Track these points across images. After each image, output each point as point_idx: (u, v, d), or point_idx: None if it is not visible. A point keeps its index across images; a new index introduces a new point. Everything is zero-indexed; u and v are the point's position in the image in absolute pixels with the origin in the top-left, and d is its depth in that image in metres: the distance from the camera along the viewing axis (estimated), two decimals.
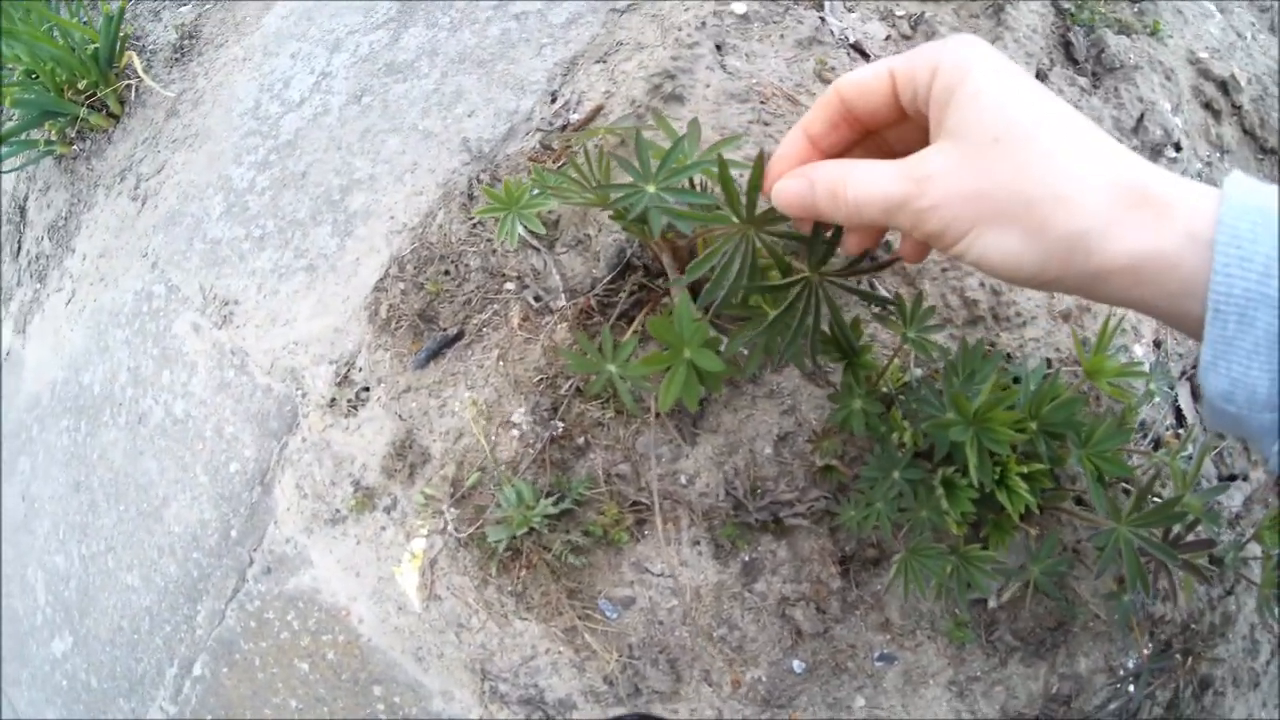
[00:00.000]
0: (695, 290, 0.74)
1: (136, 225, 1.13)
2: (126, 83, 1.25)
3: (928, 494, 0.69)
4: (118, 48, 1.24)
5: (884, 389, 0.79)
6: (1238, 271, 0.30)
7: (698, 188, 0.70)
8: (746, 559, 0.75)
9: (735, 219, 0.58)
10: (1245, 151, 1.12)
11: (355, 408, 0.87)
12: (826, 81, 0.89)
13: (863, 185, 0.39)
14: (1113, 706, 0.86)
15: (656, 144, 0.69)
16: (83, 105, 1.24)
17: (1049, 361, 0.83)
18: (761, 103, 0.85)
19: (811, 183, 0.41)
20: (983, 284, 0.80)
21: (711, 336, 0.66)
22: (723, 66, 0.87)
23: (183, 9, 1.27)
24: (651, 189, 0.65)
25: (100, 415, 1.11)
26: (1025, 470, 0.68)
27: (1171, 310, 0.33)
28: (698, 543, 0.75)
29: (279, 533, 0.92)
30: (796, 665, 0.76)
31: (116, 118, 1.25)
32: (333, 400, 0.89)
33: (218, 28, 1.21)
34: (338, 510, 0.87)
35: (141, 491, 1.05)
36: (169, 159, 1.13)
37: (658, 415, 0.76)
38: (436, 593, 0.82)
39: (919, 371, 0.78)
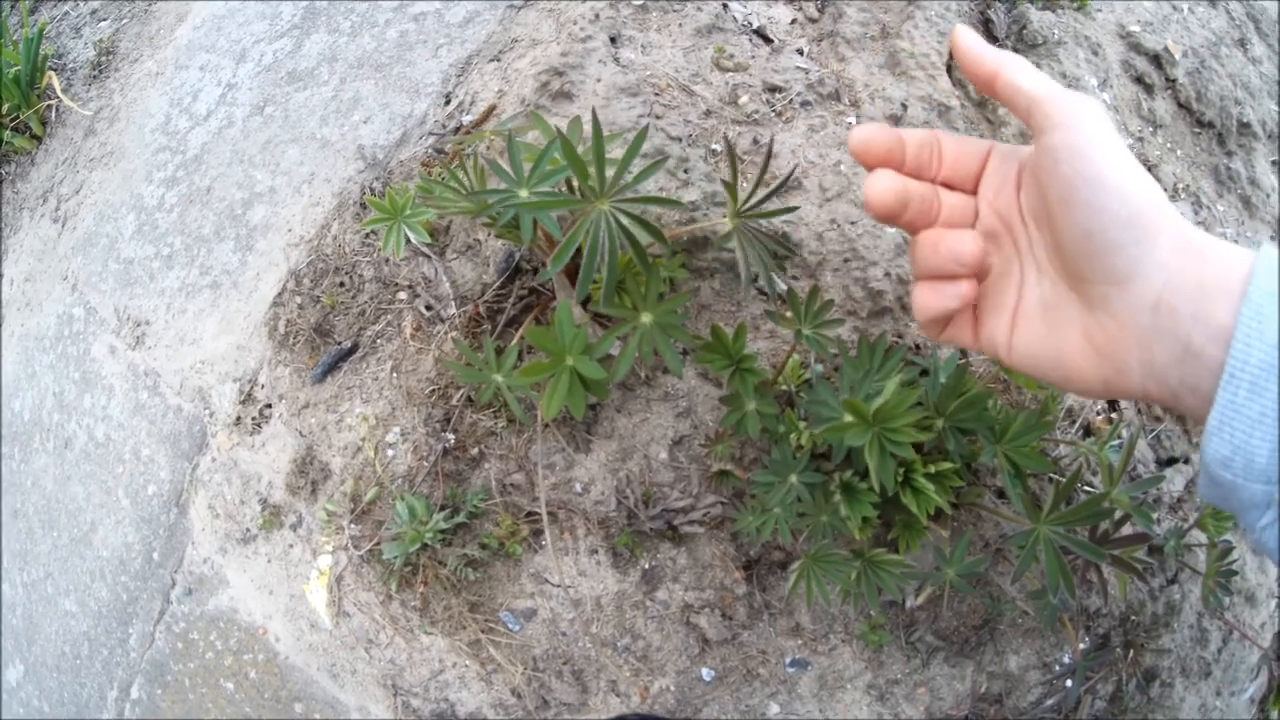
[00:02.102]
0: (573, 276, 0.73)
1: (58, 248, 1.15)
2: (48, 103, 1.26)
3: (826, 498, 0.68)
4: (38, 69, 1.26)
5: (783, 386, 0.78)
6: (1256, 343, 0.33)
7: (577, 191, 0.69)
8: (646, 567, 0.75)
9: (583, 197, 0.58)
10: (1180, 126, 1.08)
11: (259, 425, 0.88)
12: (723, 69, 0.87)
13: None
14: (1050, 703, 0.84)
15: (533, 147, 0.69)
16: (6, 128, 1.26)
17: (964, 351, 0.82)
18: (655, 95, 0.84)
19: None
20: (888, 274, 0.79)
21: (594, 341, 0.66)
22: (616, 60, 0.86)
23: (102, 24, 1.28)
24: (524, 194, 0.65)
25: (31, 442, 1.13)
26: (933, 470, 0.67)
27: (1181, 373, 0.36)
28: (595, 552, 0.75)
29: (196, 553, 0.93)
30: (705, 673, 0.76)
31: (39, 139, 1.26)
32: (238, 419, 0.89)
33: (134, 42, 1.22)
34: (248, 529, 0.88)
35: (71, 517, 1.07)
36: (86, 179, 1.14)
37: (548, 424, 0.75)
38: (345, 609, 0.83)
39: (820, 368, 0.77)
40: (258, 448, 0.88)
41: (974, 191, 0.46)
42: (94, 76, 1.21)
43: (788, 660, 0.77)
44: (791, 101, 0.86)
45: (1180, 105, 1.09)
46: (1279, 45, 1.22)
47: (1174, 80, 1.08)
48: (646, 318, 0.66)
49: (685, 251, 0.78)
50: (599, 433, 0.76)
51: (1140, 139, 1.03)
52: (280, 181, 0.95)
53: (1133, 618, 0.88)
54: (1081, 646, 0.84)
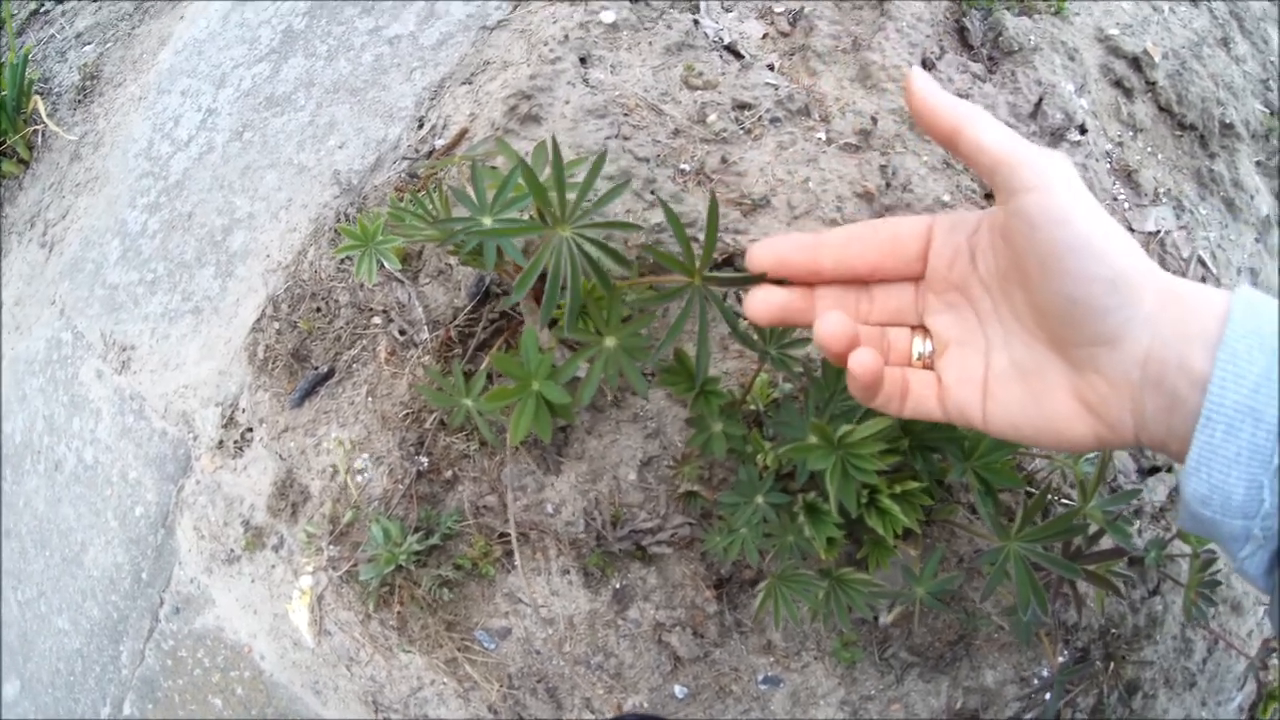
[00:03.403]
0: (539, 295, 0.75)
1: (45, 272, 1.19)
2: (34, 128, 1.30)
3: (792, 519, 0.70)
4: (24, 93, 1.30)
5: (751, 406, 0.80)
6: (1231, 386, 0.35)
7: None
8: (617, 586, 0.78)
9: (547, 223, 0.60)
10: (1161, 129, 1.09)
11: (241, 449, 0.91)
12: (692, 88, 0.90)
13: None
14: (1028, 717, 0.86)
15: (499, 174, 0.71)
16: None
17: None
18: (624, 115, 0.86)
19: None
20: None
21: (561, 365, 0.69)
22: (585, 80, 0.88)
23: (86, 48, 1.32)
24: (487, 221, 0.68)
25: (22, 464, 1.17)
26: (899, 490, 0.69)
27: (1168, 421, 0.38)
28: (567, 572, 0.78)
29: (183, 573, 0.97)
30: (678, 690, 0.79)
31: (26, 163, 1.30)
32: (221, 442, 0.93)
33: (117, 66, 1.26)
34: (232, 550, 0.92)
35: (63, 537, 1.11)
36: (73, 204, 1.18)
37: (518, 447, 0.78)
38: (326, 628, 0.86)
39: (789, 387, 0.79)
40: (240, 470, 0.91)
41: (919, 271, 0.46)
42: (79, 101, 1.25)
43: (760, 677, 0.80)
44: (760, 118, 0.89)
45: (1161, 108, 1.10)
46: (1271, 42, 1.22)
47: (1154, 83, 1.09)
48: (610, 341, 0.68)
49: (651, 272, 0.81)
50: (569, 454, 0.78)
51: (1120, 144, 1.05)
52: (259, 207, 0.98)
53: (1113, 630, 0.89)
54: (1060, 660, 0.85)
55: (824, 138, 0.90)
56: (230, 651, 0.94)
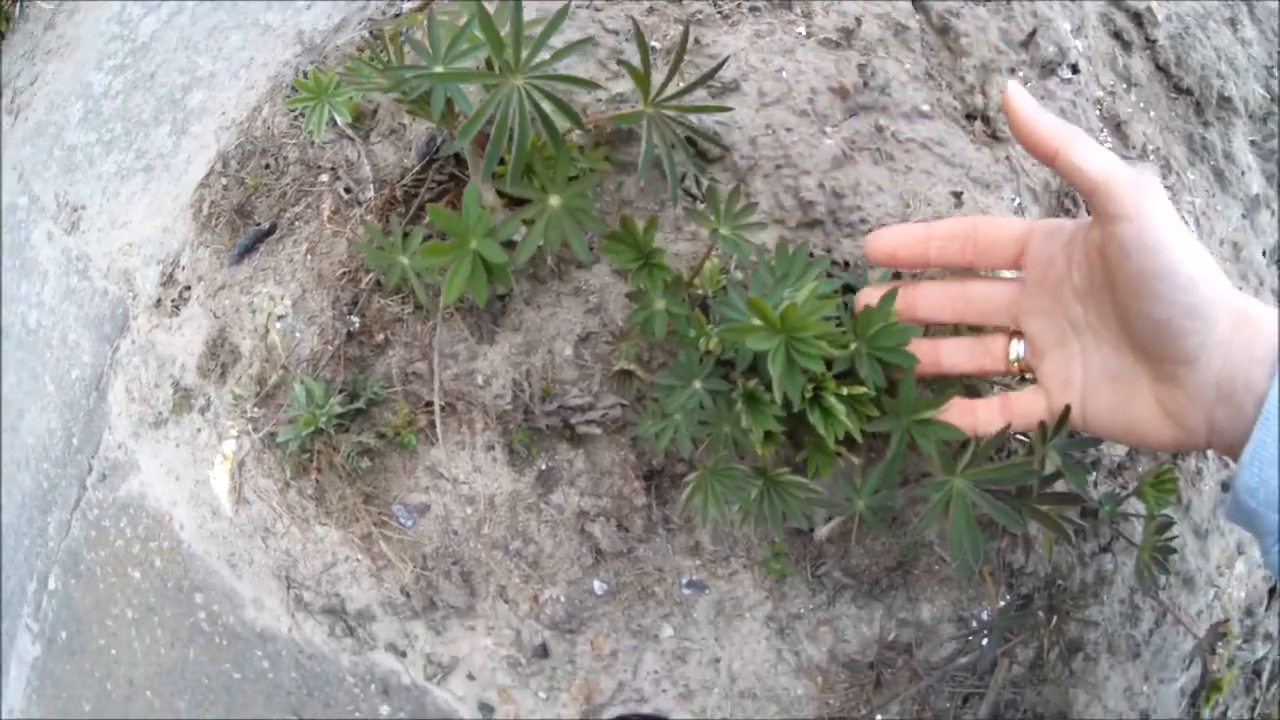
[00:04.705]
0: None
1: (10, 139, 1.19)
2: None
3: (730, 407, 0.67)
4: None
5: (699, 291, 0.77)
6: None
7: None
8: (543, 468, 0.75)
9: (499, 71, 0.58)
10: (1156, 87, 1.05)
11: (178, 307, 0.90)
12: None
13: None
14: (964, 660, 0.83)
15: (453, 25, 0.69)
16: None
17: (897, 275, 0.79)
18: None
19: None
20: (821, 185, 0.78)
21: (503, 223, 0.66)
22: None
23: None
24: (439, 69, 0.66)
25: None
26: (846, 392, 0.65)
27: (1234, 430, 0.44)
28: (492, 448, 0.76)
29: (112, 438, 0.96)
30: (598, 586, 0.77)
31: (2, 35, 1.30)
32: (159, 301, 0.92)
33: None
34: (160, 413, 0.91)
35: (6, 407, 1.11)
36: (42, 70, 1.18)
37: (454, 311, 0.76)
38: (245, 496, 0.84)
39: (740, 275, 0.76)
40: (174, 330, 0.90)
41: (1014, 266, 0.53)
42: None
43: (684, 581, 0.77)
44: (740, 5, 0.86)
45: (1158, 67, 1.06)
46: (1273, 33, 1.18)
47: (1154, 41, 1.05)
48: (555, 200, 0.66)
49: (608, 144, 0.78)
50: (506, 325, 0.76)
51: (1112, 93, 1.00)
52: (220, 66, 0.97)
53: (1059, 582, 0.85)
54: (1001, 604, 0.82)
55: (804, 32, 0.86)
56: (151, 520, 0.93)
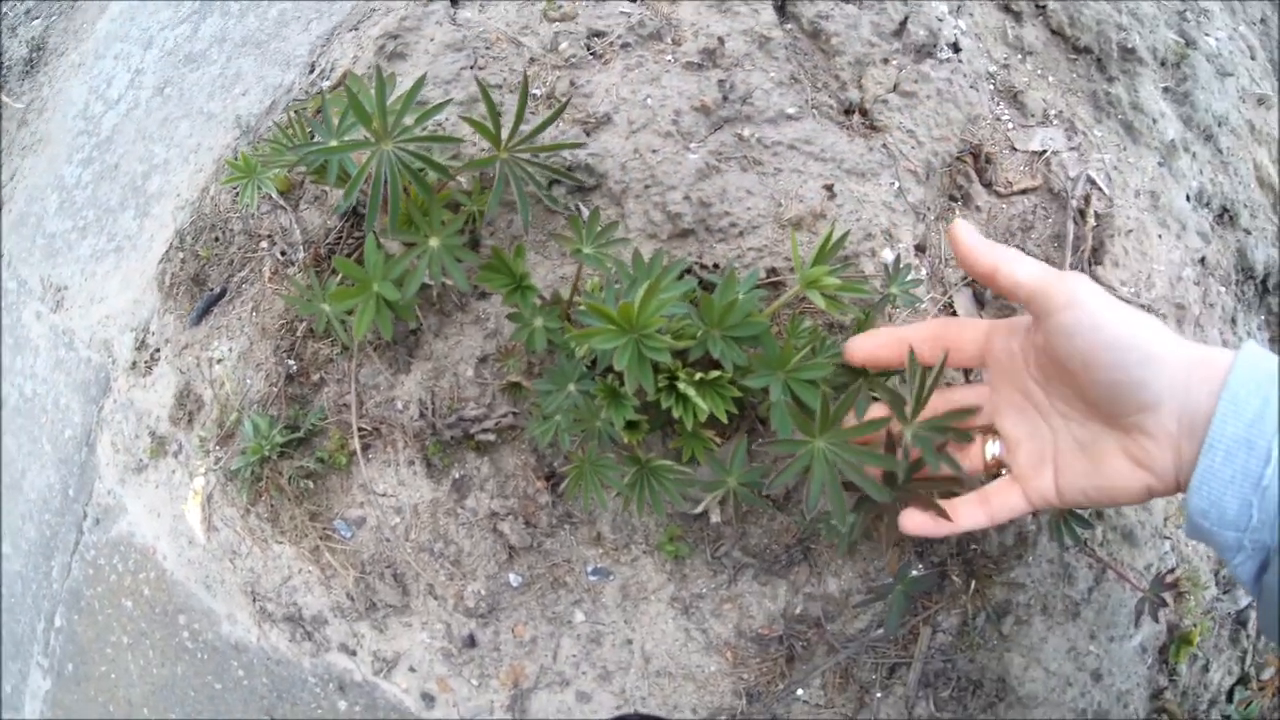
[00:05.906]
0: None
1: None
2: None
3: (593, 404, 0.80)
4: None
5: (583, 305, 0.91)
6: (1231, 421, 0.45)
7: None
8: (456, 476, 0.89)
9: (373, 140, 0.73)
10: (1054, 51, 1.14)
11: (150, 367, 1.06)
12: (550, 20, 1.02)
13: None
14: (879, 631, 0.87)
15: (360, 102, 0.85)
16: None
17: (773, 271, 0.90)
18: (486, 48, 0.99)
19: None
20: (687, 197, 0.90)
21: (393, 265, 0.81)
22: (452, 20, 1.01)
23: (35, 22, 1.51)
24: (333, 142, 0.81)
25: None
26: (700, 377, 0.77)
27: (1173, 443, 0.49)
28: (413, 463, 0.90)
29: (102, 486, 1.12)
30: (513, 579, 0.90)
31: None
32: (134, 363, 1.08)
33: (60, 37, 1.45)
34: (141, 460, 1.07)
35: (8, 467, 1.28)
36: (20, 165, 1.37)
37: (374, 348, 0.91)
38: (214, 524, 0.99)
39: (617, 288, 0.90)
40: (148, 387, 1.06)
41: (980, 364, 0.61)
42: (26, 72, 1.44)
43: (589, 569, 0.90)
44: (612, 44, 1.00)
45: (1053, 31, 1.12)
46: None
47: (1044, 7, 1.13)
48: (434, 241, 0.81)
49: (489, 189, 0.93)
50: (419, 355, 0.91)
51: (1006, 66, 1.08)
52: (173, 154, 1.14)
53: (974, 546, 0.88)
54: (913, 574, 0.82)
55: (671, 59, 0.99)
56: (139, 555, 1.09)
